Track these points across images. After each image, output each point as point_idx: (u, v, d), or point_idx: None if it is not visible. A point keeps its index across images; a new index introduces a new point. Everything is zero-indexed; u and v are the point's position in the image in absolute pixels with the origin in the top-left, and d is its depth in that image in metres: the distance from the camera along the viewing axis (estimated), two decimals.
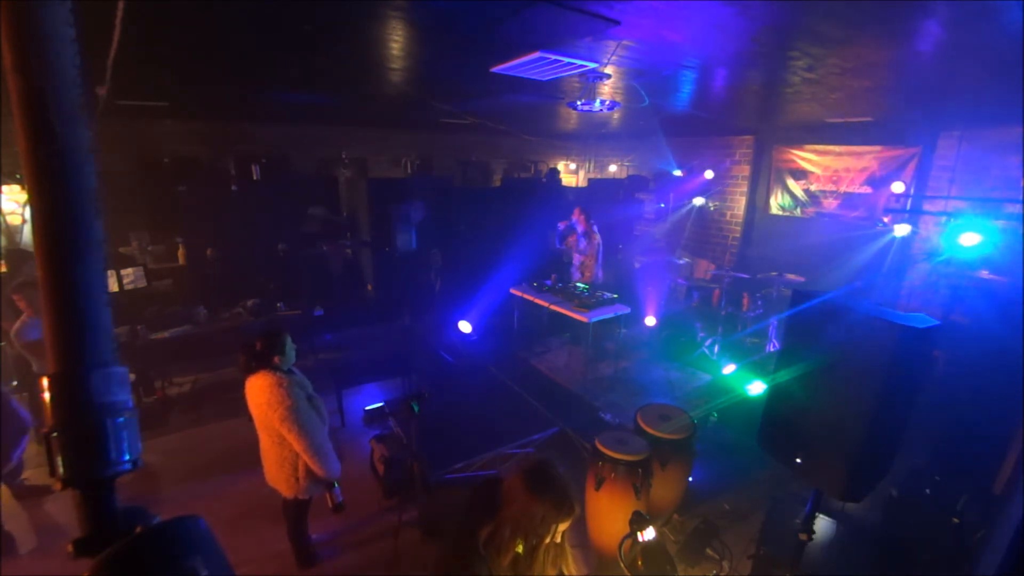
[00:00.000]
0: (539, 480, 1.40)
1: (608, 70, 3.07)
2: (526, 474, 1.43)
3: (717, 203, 7.70)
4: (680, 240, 8.13)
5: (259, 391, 2.53)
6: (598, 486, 2.87)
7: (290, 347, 2.66)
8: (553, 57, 2.75)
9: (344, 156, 7.74)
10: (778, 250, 6.68)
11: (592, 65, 2.92)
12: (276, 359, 2.59)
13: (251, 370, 2.58)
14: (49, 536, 3.34)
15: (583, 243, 6.22)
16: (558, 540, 1.45)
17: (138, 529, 0.62)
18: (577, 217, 6.17)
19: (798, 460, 2.28)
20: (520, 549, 1.36)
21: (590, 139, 9.69)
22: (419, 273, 7.18)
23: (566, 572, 1.56)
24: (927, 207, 5.39)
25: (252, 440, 2.73)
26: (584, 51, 2.66)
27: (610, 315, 5.20)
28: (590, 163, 10.42)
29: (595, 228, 6.22)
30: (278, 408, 2.49)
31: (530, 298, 5.77)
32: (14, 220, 5.57)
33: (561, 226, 6.45)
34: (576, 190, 9.49)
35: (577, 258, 6.35)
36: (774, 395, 2.44)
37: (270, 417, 2.51)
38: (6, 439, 3.43)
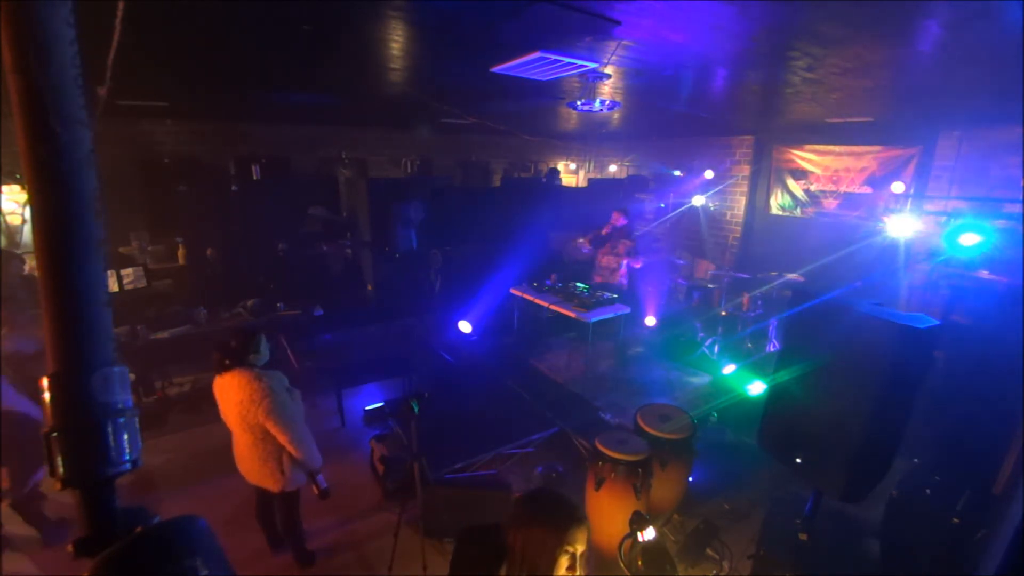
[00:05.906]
0: (530, 507, 1.39)
1: (608, 70, 3.07)
2: (518, 506, 1.41)
3: (717, 203, 7.69)
4: (680, 240, 8.12)
5: (236, 388, 2.55)
6: (598, 486, 2.87)
7: (265, 345, 2.72)
8: (553, 57, 2.75)
9: (344, 156, 7.74)
10: (778, 250, 6.67)
11: (592, 65, 2.91)
12: (251, 356, 2.62)
13: (225, 368, 2.60)
14: (49, 536, 3.34)
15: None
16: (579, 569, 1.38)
17: (138, 529, 0.62)
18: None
19: (798, 460, 2.28)
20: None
21: (590, 139, 9.68)
22: (419, 273, 7.17)
23: None
24: (927, 207, 5.38)
25: None
26: (584, 51, 2.66)
27: (610, 315, 5.20)
28: (590, 163, 10.42)
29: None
30: (262, 402, 2.51)
31: (530, 298, 5.76)
32: (14, 220, 5.57)
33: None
34: (576, 190, 9.49)
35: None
36: (774, 395, 2.45)
37: (253, 413, 2.52)
38: (12, 457, 3.17)
